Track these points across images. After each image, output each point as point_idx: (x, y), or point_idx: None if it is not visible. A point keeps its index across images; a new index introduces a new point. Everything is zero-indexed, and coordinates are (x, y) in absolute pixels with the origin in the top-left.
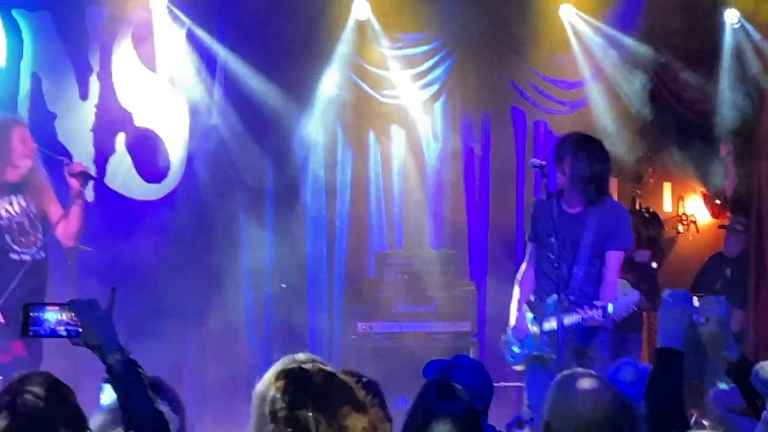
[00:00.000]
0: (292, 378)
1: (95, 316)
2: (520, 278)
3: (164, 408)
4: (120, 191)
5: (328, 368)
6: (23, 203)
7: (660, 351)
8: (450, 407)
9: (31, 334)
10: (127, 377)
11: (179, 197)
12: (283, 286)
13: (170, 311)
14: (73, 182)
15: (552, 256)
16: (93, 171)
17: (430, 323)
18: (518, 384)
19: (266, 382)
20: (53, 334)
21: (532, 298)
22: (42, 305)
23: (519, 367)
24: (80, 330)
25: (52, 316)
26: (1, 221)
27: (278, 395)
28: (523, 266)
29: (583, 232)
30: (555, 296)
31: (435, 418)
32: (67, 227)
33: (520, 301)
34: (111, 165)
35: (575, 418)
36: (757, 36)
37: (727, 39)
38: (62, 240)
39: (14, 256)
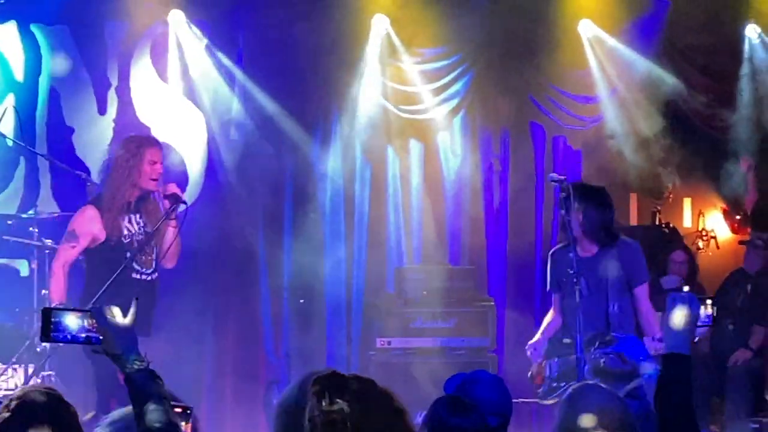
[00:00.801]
0: (329, 383)
1: (116, 325)
2: (545, 325)
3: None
4: None
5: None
6: (141, 222)
7: (666, 357)
8: (461, 422)
9: (53, 339)
10: (145, 388)
11: (197, 212)
12: (302, 301)
13: (188, 325)
14: (165, 203)
15: (578, 299)
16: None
17: (449, 339)
18: (537, 400)
19: (293, 393)
20: (74, 340)
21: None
22: (63, 311)
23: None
24: (101, 338)
25: (73, 322)
26: (123, 239)
27: (314, 401)
28: (550, 316)
29: (606, 272)
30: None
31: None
32: (171, 249)
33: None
34: None
35: None
36: None
37: (748, 54)
38: (168, 262)
39: (135, 275)
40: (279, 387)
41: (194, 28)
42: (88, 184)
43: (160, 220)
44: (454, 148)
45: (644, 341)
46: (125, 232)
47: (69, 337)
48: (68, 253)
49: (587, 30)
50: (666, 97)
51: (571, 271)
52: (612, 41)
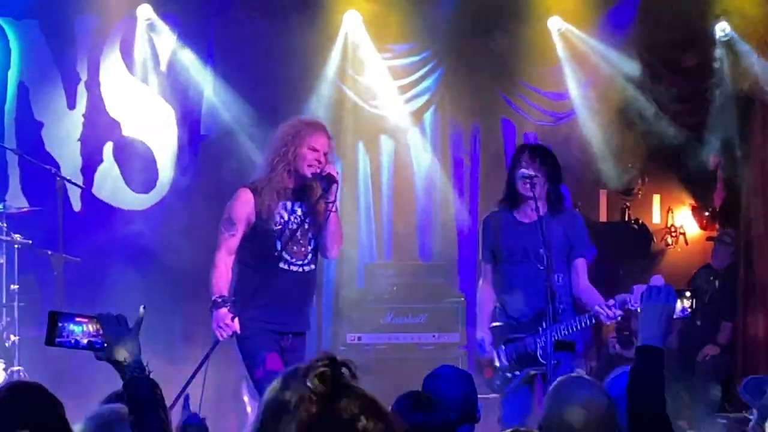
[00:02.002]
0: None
1: (121, 332)
2: (482, 299)
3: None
4: (107, 201)
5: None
6: (299, 212)
7: (640, 349)
8: (424, 418)
9: (57, 344)
10: (143, 396)
11: (167, 207)
12: None
13: (158, 321)
14: (319, 186)
15: (541, 267)
16: (335, 174)
17: (420, 334)
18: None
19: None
20: (77, 345)
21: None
22: (70, 315)
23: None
24: (104, 344)
25: (78, 327)
26: (274, 225)
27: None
28: (486, 296)
29: (549, 241)
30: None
31: (415, 430)
32: (329, 237)
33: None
34: (98, 175)
35: (568, 426)
36: (746, 48)
37: (717, 51)
38: (328, 252)
39: (282, 266)
40: (249, 383)
41: (164, 23)
42: (58, 178)
43: (314, 205)
44: (424, 144)
45: (596, 309)
46: (277, 218)
47: (73, 342)
48: (229, 242)
49: (557, 26)
50: (635, 94)
51: (542, 250)
52: (581, 37)
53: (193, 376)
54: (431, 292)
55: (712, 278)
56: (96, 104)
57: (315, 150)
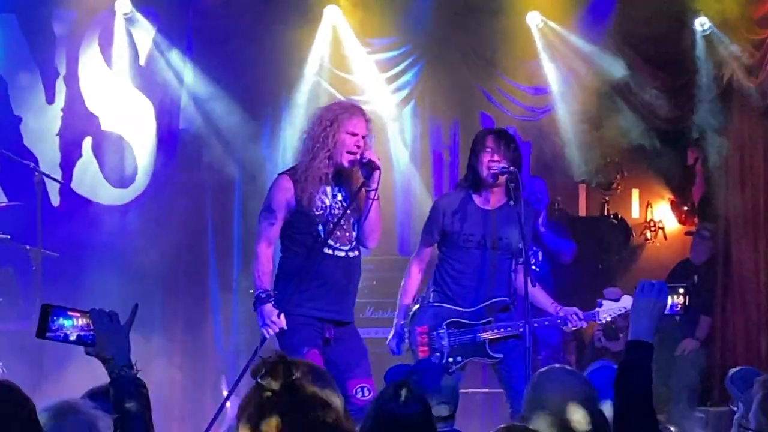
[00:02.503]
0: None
1: (112, 329)
2: (412, 283)
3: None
4: (86, 196)
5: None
6: (340, 197)
7: (630, 344)
8: (407, 411)
9: (48, 337)
10: (129, 394)
11: (146, 202)
12: (251, 291)
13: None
14: (360, 172)
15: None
16: (377, 161)
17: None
18: (485, 390)
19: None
20: (66, 339)
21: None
22: (62, 309)
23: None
24: (95, 339)
25: (69, 321)
26: (315, 210)
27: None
28: (415, 275)
29: (506, 229)
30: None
31: (389, 422)
32: (369, 225)
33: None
34: (77, 169)
35: (549, 413)
36: (726, 42)
37: (697, 46)
38: (367, 241)
39: (327, 251)
40: (228, 378)
41: (142, 17)
42: (36, 173)
43: (355, 192)
44: (404, 139)
45: (570, 317)
46: (319, 204)
47: (62, 336)
48: (269, 231)
49: (536, 20)
50: (614, 88)
51: (522, 248)
52: (560, 32)
53: (239, 378)
54: None
55: (690, 273)
56: (75, 99)
57: (354, 134)
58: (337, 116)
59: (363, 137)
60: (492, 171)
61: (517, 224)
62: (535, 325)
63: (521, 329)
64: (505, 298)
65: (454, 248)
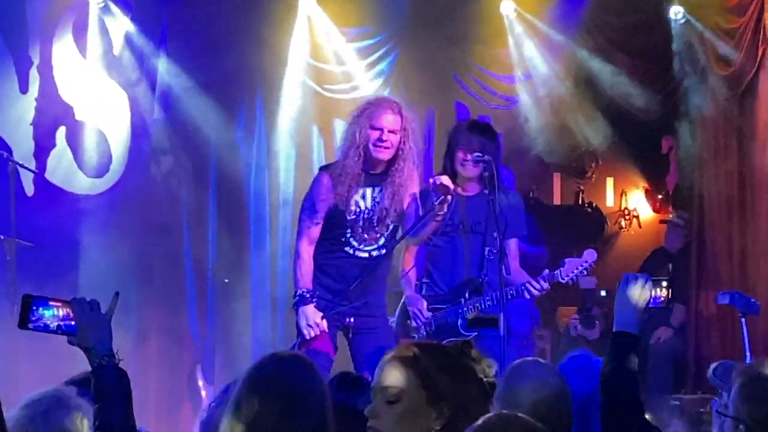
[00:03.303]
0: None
1: (93, 318)
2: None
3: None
4: (61, 186)
5: None
6: (377, 197)
7: (615, 335)
8: (353, 400)
9: (30, 327)
10: (109, 384)
11: (121, 192)
12: (226, 281)
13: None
14: (433, 195)
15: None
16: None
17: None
18: None
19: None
20: (47, 329)
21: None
22: (44, 299)
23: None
24: (76, 329)
25: (49, 311)
26: (348, 214)
27: None
28: (409, 263)
29: (485, 215)
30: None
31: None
32: (417, 238)
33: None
34: (52, 159)
35: (520, 406)
36: (701, 31)
37: (673, 34)
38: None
39: (348, 249)
40: (203, 368)
41: (116, 6)
42: (10, 163)
43: (408, 196)
44: None
45: (525, 285)
46: (353, 207)
47: (42, 325)
48: (311, 231)
49: (508, 9)
50: (588, 77)
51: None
52: (533, 21)
53: None
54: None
55: (665, 261)
56: (48, 88)
57: (378, 128)
58: (364, 110)
59: (390, 131)
60: (465, 166)
61: (492, 212)
62: (490, 303)
63: (488, 304)
64: (476, 278)
65: (436, 236)
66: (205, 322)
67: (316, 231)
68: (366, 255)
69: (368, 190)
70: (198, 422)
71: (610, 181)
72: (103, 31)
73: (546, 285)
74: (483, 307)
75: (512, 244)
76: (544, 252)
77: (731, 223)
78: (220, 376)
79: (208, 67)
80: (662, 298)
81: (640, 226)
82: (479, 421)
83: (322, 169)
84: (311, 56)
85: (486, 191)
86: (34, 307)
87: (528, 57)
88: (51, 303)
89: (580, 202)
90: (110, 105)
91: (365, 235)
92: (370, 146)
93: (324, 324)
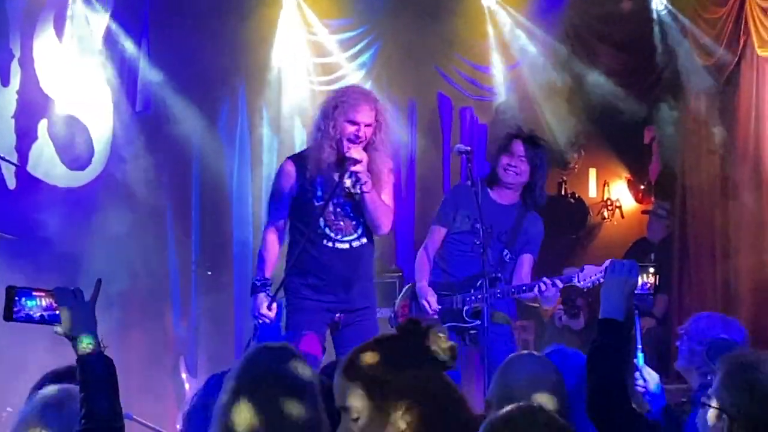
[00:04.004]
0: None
1: (77, 306)
2: (424, 262)
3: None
4: (43, 179)
5: None
6: (345, 185)
7: (601, 322)
8: None
9: (14, 319)
10: (95, 371)
11: (103, 184)
12: (209, 273)
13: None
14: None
15: (477, 242)
16: (361, 156)
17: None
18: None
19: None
20: (30, 319)
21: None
22: (27, 290)
23: None
24: (60, 318)
25: (33, 302)
26: (315, 200)
27: None
28: (426, 257)
29: (514, 226)
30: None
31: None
32: (368, 216)
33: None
34: (33, 152)
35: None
36: (682, 21)
37: (654, 25)
38: (375, 230)
39: (327, 243)
40: (186, 360)
41: None
42: None
43: (381, 187)
44: None
45: (543, 280)
46: (320, 194)
47: (25, 316)
48: (275, 217)
49: (490, 1)
50: (570, 68)
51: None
52: (513, 12)
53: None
54: None
55: (647, 251)
56: (30, 81)
57: (354, 123)
58: (340, 103)
59: (367, 126)
60: (508, 171)
61: (522, 224)
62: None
63: (498, 296)
64: (492, 273)
65: (459, 233)
66: (188, 314)
67: (280, 218)
68: (346, 246)
69: (336, 178)
70: (181, 414)
71: (592, 172)
72: (85, 24)
73: (559, 286)
74: (494, 298)
75: (527, 259)
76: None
77: (713, 213)
78: (203, 369)
79: (191, 60)
80: (649, 285)
81: (622, 217)
82: (502, 413)
83: (288, 157)
84: (293, 47)
85: (520, 203)
86: (17, 298)
87: (510, 48)
88: (35, 293)
89: (563, 192)
90: (92, 98)
91: (341, 224)
92: (345, 141)
93: (272, 312)
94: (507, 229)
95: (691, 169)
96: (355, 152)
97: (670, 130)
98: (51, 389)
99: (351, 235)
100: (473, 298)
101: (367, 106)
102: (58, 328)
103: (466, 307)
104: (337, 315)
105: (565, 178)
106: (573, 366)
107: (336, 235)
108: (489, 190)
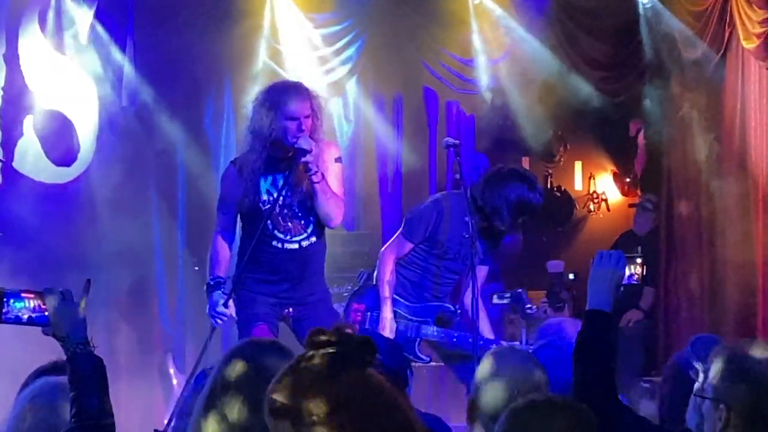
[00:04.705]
0: None
1: (65, 307)
2: (390, 278)
3: None
4: (29, 175)
5: None
6: (291, 181)
7: (588, 314)
8: None
9: (3, 321)
10: (86, 372)
11: (89, 180)
12: (196, 268)
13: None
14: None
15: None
16: (310, 145)
17: (345, 304)
18: (433, 364)
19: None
20: (19, 321)
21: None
22: (16, 292)
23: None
24: (49, 320)
25: (21, 303)
26: (261, 204)
27: None
28: (391, 259)
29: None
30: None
31: None
32: (320, 208)
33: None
34: (19, 148)
35: (497, 398)
36: (668, 14)
37: (639, 17)
38: (327, 222)
39: (276, 244)
40: (174, 356)
41: None
42: None
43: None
44: (347, 114)
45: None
46: (264, 197)
47: (13, 317)
48: (223, 221)
49: None
50: (554, 61)
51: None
52: (498, 5)
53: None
54: (356, 262)
55: (634, 244)
56: (15, 77)
57: (294, 118)
58: (275, 101)
59: (306, 117)
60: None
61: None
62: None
63: (454, 340)
64: (450, 308)
65: (433, 254)
66: (175, 309)
67: (228, 221)
68: (296, 246)
69: (279, 177)
70: (170, 412)
71: (578, 165)
72: (70, 19)
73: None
74: (449, 341)
75: (483, 270)
76: (519, 239)
77: (699, 205)
78: (191, 364)
79: (176, 55)
80: (637, 276)
81: (608, 210)
82: (525, 401)
83: (231, 161)
84: (278, 43)
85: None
86: (6, 300)
87: (495, 41)
88: (23, 295)
89: (548, 186)
90: (78, 94)
91: (289, 225)
92: (289, 137)
93: (230, 309)
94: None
95: (677, 162)
96: (304, 142)
97: (656, 123)
98: (39, 382)
99: (300, 234)
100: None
101: (301, 98)
102: (47, 329)
103: (418, 340)
104: (288, 309)
105: (550, 171)
106: (568, 358)
107: (285, 236)
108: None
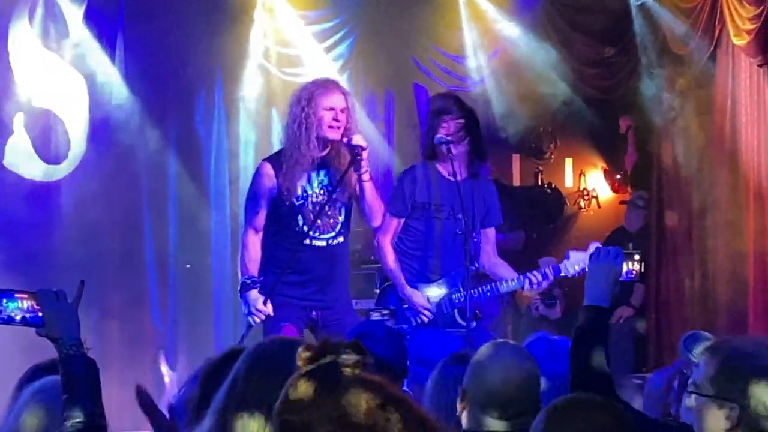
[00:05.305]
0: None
1: (59, 308)
2: (392, 260)
3: None
4: (20, 173)
5: None
6: (326, 181)
7: (586, 309)
8: None
9: None
10: (78, 373)
11: (80, 177)
12: (188, 266)
13: (71, 292)
14: (345, 155)
15: (459, 232)
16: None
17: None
18: None
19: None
20: (11, 321)
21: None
22: (10, 292)
23: None
24: (42, 320)
25: (14, 303)
26: (295, 200)
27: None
28: (388, 242)
29: (473, 200)
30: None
31: None
32: (367, 207)
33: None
34: (9, 146)
35: (488, 389)
36: (659, 10)
37: (630, 14)
38: (371, 221)
39: (306, 241)
40: (166, 353)
41: None
42: None
43: (340, 177)
44: None
45: (572, 256)
46: (299, 192)
47: (6, 317)
48: (254, 220)
49: None
50: (544, 57)
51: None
52: (489, 3)
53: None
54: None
55: (625, 241)
56: (5, 74)
57: (331, 109)
58: (312, 94)
59: (342, 110)
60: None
61: (480, 197)
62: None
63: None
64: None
65: (421, 219)
66: (167, 307)
67: (259, 220)
68: (324, 244)
69: (313, 174)
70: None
71: (568, 162)
72: (60, 16)
73: (551, 277)
74: (483, 297)
75: (491, 232)
76: (521, 237)
77: (690, 202)
78: (183, 362)
79: (167, 52)
80: (635, 272)
81: (599, 207)
82: (566, 397)
83: (265, 159)
84: (270, 40)
85: (464, 178)
86: (0, 300)
87: (486, 38)
88: (17, 295)
89: (539, 182)
90: (68, 91)
91: (319, 221)
92: (326, 128)
93: (268, 308)
94: (467, 206)
95: (668, 159)
96: (360, 139)
97: (647, 120)
98: (42, 380)
99: (329, 232)
100: (458, 299)
101: (338, 91)
102: (41, 330)
103: (455, 310)
104: (314, 312)
105: (541, 168)
106: (560, 351)
107: (314, 232)
108: (436, 166)
